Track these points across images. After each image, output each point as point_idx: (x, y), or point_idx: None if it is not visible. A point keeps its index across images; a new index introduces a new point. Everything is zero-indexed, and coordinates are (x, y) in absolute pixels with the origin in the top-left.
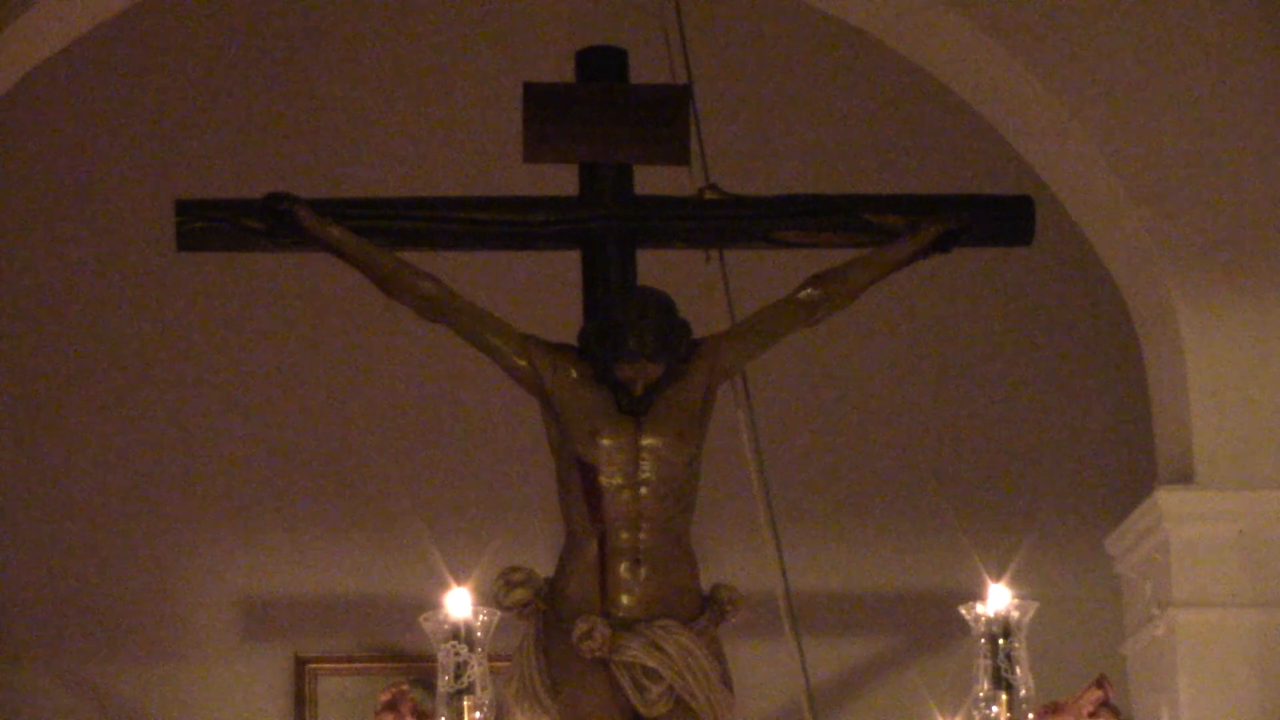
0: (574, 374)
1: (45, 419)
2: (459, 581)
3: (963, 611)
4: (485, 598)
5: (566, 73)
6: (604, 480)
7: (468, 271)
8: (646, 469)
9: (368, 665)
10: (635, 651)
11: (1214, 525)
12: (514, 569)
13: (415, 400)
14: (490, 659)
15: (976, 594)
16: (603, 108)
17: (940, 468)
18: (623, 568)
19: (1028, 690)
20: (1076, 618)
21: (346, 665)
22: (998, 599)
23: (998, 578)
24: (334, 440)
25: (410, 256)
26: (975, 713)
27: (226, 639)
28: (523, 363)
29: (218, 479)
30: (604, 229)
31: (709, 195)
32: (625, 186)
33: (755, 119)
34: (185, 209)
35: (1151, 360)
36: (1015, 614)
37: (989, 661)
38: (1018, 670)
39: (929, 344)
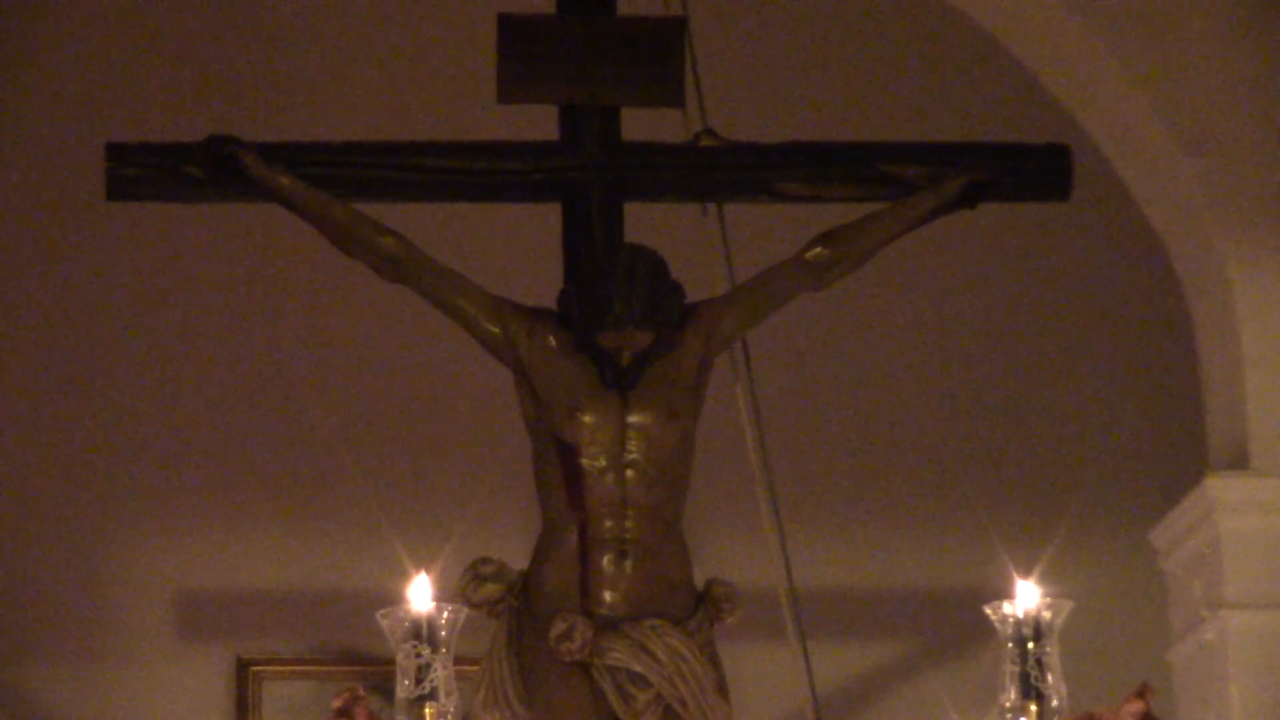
0: (553, 342)
1: None
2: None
3: (988, 612)
4: (451, 593)
5: (547, 3)
6: (585, 462)
7: (434, 226)
8: (633, 449)
9: (318, 668)
10: (620, 654)
11: (1271, 517)
12: (484, 561)
13: (371, 372)
14: (456, 662)
15: (1003, 592)
16: (587, 43)
17: (963, 451)
18: (606, 560)
19: (1060, 700)
20: (1116, 619)
21: (294, 668)
22: (1027, 598)
23: (1027, 574)
24: (280, 418)
25: (370, 209)
26: None
27: (161, 639)
28: (495, 329)
29: (151, 461)
30: (587, 179)
31: (705, 142)
32: (611, 131)
33: (757, 56)
34: (117, 153)
35: (1202, 331)
36: (1047, 614)
37: (1017, 668)
38: (1049, 677)
39: (949, 311)
